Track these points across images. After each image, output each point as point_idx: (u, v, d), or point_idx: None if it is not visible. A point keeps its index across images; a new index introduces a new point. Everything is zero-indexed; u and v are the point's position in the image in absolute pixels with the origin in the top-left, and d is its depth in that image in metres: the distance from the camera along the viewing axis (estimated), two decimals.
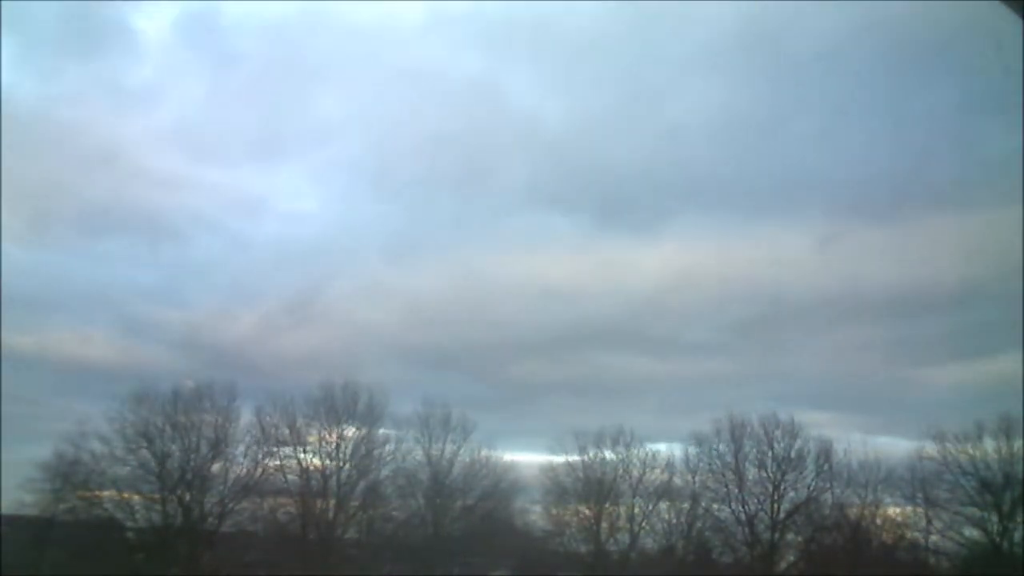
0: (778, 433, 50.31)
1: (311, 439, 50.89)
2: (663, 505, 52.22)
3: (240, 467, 49.02)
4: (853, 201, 36.37)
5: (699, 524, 51.89)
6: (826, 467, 49.92)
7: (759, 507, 50.25)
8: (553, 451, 52.91)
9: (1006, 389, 35.90)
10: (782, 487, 50.03)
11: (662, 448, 52.64)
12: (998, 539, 47.10)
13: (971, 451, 47.36)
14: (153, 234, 40.30)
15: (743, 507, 50.48)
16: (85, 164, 37.35)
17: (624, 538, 52.49)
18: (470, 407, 39.38)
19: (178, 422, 48.00)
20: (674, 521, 52.06)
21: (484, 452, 52.57)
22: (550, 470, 53.13)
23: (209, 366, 37.42)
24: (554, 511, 53.64)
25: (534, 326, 38.84)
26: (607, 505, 52.38)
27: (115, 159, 37.26)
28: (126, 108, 38.91)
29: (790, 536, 50.82)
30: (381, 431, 51.57)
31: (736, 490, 50.51)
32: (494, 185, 37.63)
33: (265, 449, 49.73)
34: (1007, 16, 5.78)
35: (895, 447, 40.84)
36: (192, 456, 47.94)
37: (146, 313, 38.27)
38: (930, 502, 48.65)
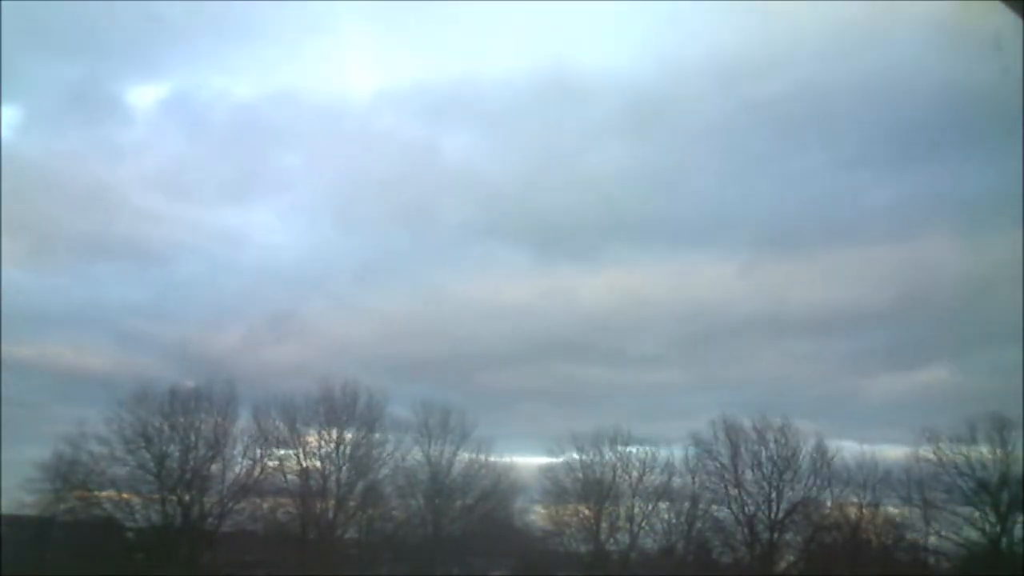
0: (774, 434, 50.49)
1: (310, 439, 50.99)
2: (663, 505, 52.33)
3: (239, 467, 49.13)
4: (761, 237, 43.20)
5: (699, 524, 51.95)
6: (823, 467, 50.08)
7: (758, 507, 50.36)
8: (552, 452, 53.10)
9: (937, 398, 41.27)
10: (780, 487, 50.14)
11: (661, 449, 52.70)
12: (996, 539, 47.19)
13: (966, 452, 47.50)
14: (142, 259, 46.41)
15: (742, 507, 50.60)
16: (79, 203, 44.02)
17: (624, 538, 52.56)
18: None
19: (177, 422, 48.01)
20: (674, 521, 52.14)
21: (482, 456, 52.66)
22: (549, 470, 53.32)
23: (198, 375, 41.21)
24: (553, 511, 53.74)
25: (493, 340, 45.19)
26: (606, 505, 52.43)
27: (106, 199, 43.93)
28: (117, 159, 45.03)
29: (789, 536, 50.90)
30: (380, 431, 51.64)
31: (735, 490, 50.61)
32: (441, 222, 44.85)
33: (264, 449, 49.84)
34: (1007, 16, 5.82)
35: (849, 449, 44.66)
36: (191, 456, 47.94)
37: (137, 327, 43.83)
38: (927, 502, 48.76)
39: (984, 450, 47.10)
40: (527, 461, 55.07)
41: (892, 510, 50.04)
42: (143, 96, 43.54)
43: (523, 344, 42.41)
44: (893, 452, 45.33)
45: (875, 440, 45.58)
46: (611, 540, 52.54)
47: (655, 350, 44.18)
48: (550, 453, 53.09)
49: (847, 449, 48.33)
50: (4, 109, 39.02)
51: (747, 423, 50.50)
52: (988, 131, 38.34)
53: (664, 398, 43.95)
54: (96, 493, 47.51)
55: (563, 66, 43.72)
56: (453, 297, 46.74)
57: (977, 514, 47.67)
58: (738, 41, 40.63)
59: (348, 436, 50.92)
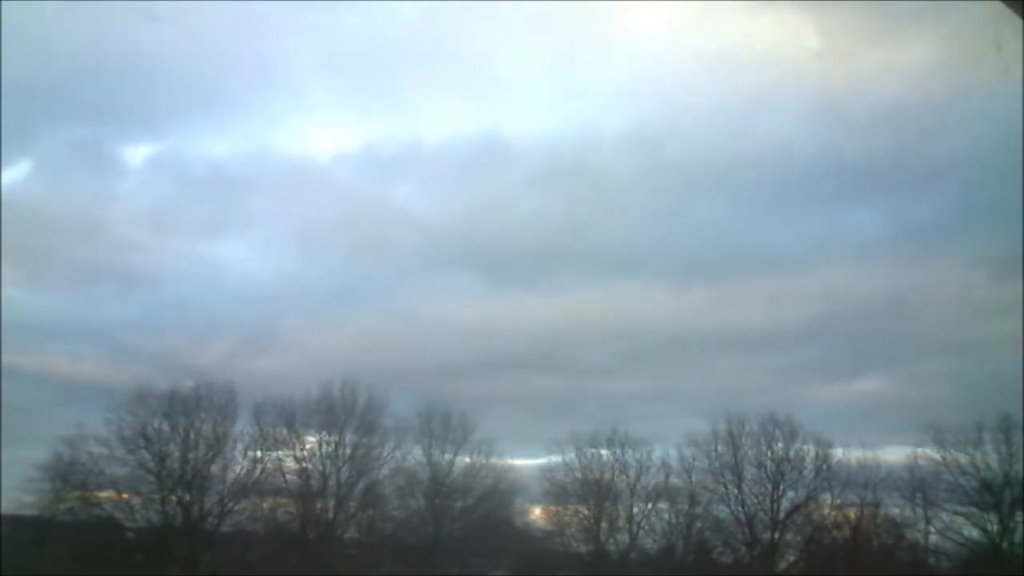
0: (776, 433, 50.48)
1: (310, 439, 51.00)
2: (663, 505, 52.32)
3: (239, 467, 49.10)
4: (683, 269, 51.58)
5: (699, 524, 51.94)
6: (825, 467, 50.05)
7: (758, 507, 50.34)
8: (552, 452, 53.09)
9: (872, 405, 46.63)
10: (781, 487, 50.12)
11: (660, 450, 52.67)
12: (997, 539, 47.18)
13: (970, 452, 47.52)
14: (132, 282, 53.45)
15: (742, 507, 50.57)
16: (76, 235, 51.27)
17: (624, 538, 52.55)
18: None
19: (177, 423, 48.02)
20: (673, 521, 52.13)
21: (482, 456, 52.66)
22: (549, 471, 53.30)
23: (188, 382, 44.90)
24: (553, 511, 53.75)
25: (456, 354, 51.54)
26: (606, 505, 52.41)
27: (100, 233, 51.78)
28: (110, 202, 52.96)
29: (790, 536, 50.87)
30: (380, 432, 51.61)
31: (735, 490, 50.59)
32: (395, 254, 53.33)
33: (264, 449, 49.83)
34: (1007, 16, 5.78)
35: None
36: (191, 456, 47.92)
37: (130, 340, 49.50)
38: (928, 502, 48.77)
39: (987, 450, 47.20)
40: (526, 462, 55.21)
41: (893, 510, 50.12)
42: (137, 153, 54.39)
43: (481, 358, 49.93)
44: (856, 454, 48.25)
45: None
46: (611, 540, 52.56)
47: (605, 362, 51.70)
48: (551, 452, 53.18)
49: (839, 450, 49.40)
50: (16, 161, 48.83)
51: (751, 423, 50.62)
52: (860, 189, 47.50)
53: (620, 405, 50.29)
54: (96, 493, 47.52)
55: (496, 131, 52.17)
56: (416, 316, 53.19)
57: (978, 514, 47.71)
58: (646, 113, 50.90)
59: (348, 436, 50.98)
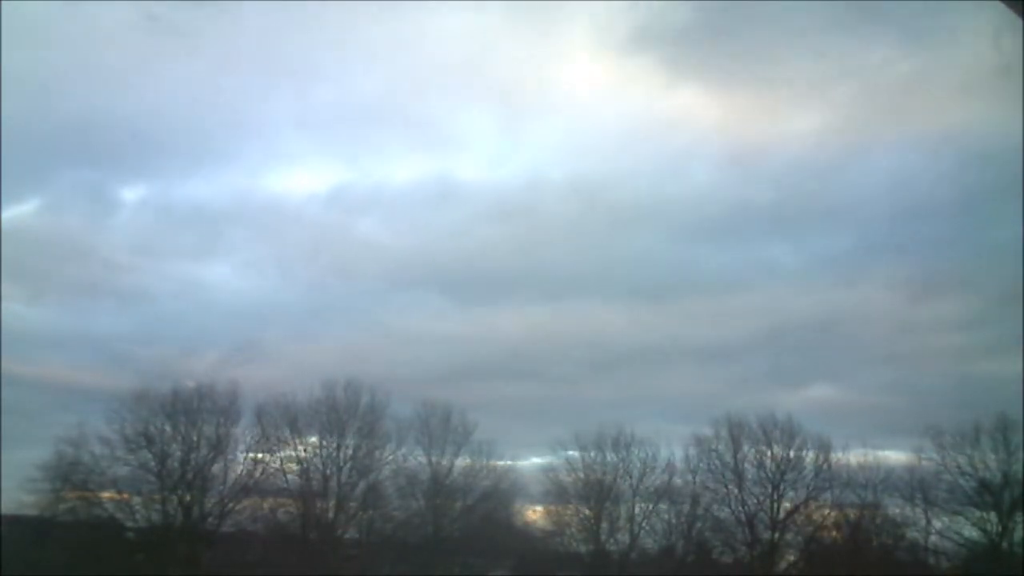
0: (776, 434, 50.52)
1: (312, 440, 51.01)
2: (663, 505, 52.34)
3: (240, 467, 49.12)
4: (631, 290, 56.48)
5: (699, 524, 51.95)
6: (825, 467, 50.08)
7: (759, 507, 50.37)
8: (554, 452, 53.14)
9: (822, 410, 49.10)
10: (781, 487, 50.15)
11: (662, 449, 52.73)
12: (997, 539, 47.23)
13: (969, 452, 47.60)
14: (126, 299, 57.86)
15: (743, 507, 50.60)
16: (74, 258, 56.42)
17: (624, 538, 52.56)
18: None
19: (178, 422, 48.07)
20: (674, 521, 52.14)
21: (483, 457, 52.74)
22: (550, 471, 53.33)
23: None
24: (553, 511, 53.79)
25: (431, 363, 55.37)
26: (607, 505, 52.44)
27: (96, 256, 56.86)
28: (106, 232, 58.48)
29: (790, 536, 50.90)
30: (381, 432, 51.63)
31: (736, 490, 50.61)
32: (363, 276, 58.74)
33: (265, 449, 49.86)
34: (1007, 16, 5.81)
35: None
36: (192, 456, 47.96)
37: (125, 350, 52.84)
38: (928, 502, 48.81)
39: (987, 450, 47.31)
40: (525, 462, 55.27)
41: (893, 510, 50.14)
42: (132, 192, 60.07)
43: (455, 367, 53.32)
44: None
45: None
46: (611, 540, 52.56)
47: (573, 371, 55.46)
48: (551, 453, 53.23)
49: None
50: (25, 197, 55.21)
51: (751, 423, 50.70)
52: (772, 228, 54.19)
53: (592, 409, 52.79)
54: (97, 493, 47.55)
55: (450, 176, 59.72)
56: (388, 330, 57.65)
57: (978, 514, 47.77)
58: (584, 164, 57.63)
59: (349, 437, 50.99)
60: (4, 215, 51.28)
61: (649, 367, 56.34)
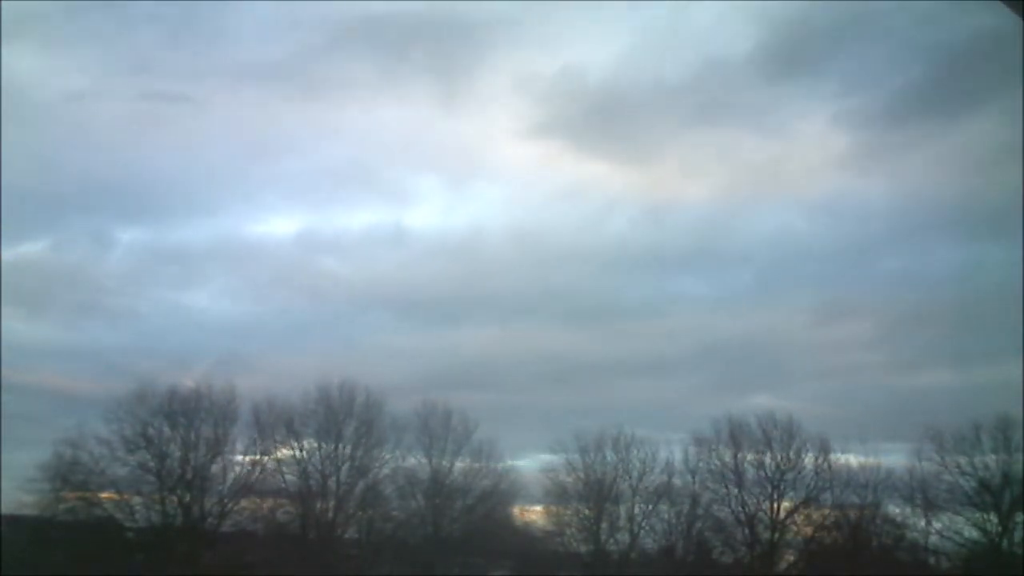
0: (776, 433, 50.55)
1: (310, 439, 51.02)
2: (663, 505, 52.37)
3: (239, 467, 49.17)
4: (564, 313, 63.04)
5: (699, 524, 51.98)
6: (825, 467, 50.12)
7: (759, 507, 50.39)
8: (554, 452, 53.16)
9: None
10: (781, 487, 50.18)
11: (662, 449, 52.79)
12: (997, 539, 47.25)
13: (969, 452, 47.66)
14: (118, 317, 63.36)
15: (743, 507, 50.63)
16: (69, 283, 62.60)
17: (624, 538, 52.60)
18: None
19: (177, 422, 48.11)
20: (674, 521, 52.17)
21: (483, 456, 52.78)
22: (550, 471, 53.35)
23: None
24: (553, 511, 53.84)
25: (400, 375, 59.68)
26: (607, 505, 52.46)
27: (90, 282, 63.49)
28: (99, 263, 65.61)
29: (790, 536, 50.93)
30: (380, 431, 51.63)
31: (736, 490, 50.63)
32: (328, 300, 65.06)
33: (264, 449, 49.89)
34: (1007, 16, 5.79)
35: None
36: (191, 456, 47.99)
37: (119, 362, 56.76)
38: (929, 503, 48.84)
39: (986, 451, 47.38)
40: (526, 462, 55.31)
41: (893, 510, 50.19)
42: (127, 234, 67.67)
43: (419, 380, 57.92)
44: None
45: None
46: (611, 540, 52.60)
47: (526, 383, 60.04)
48: (553, 452, 53.25)
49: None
50: (35, 240, 61.97)
51: (752, 423, 50.79)
52: (684, 266, 61.71)
53: (552, 416, 57.23)
54: (96, 493, 47.58)
55: (400, 223, 69.30)
56: (357, 345, 63.51)
57: (978, 514, 47.80)
58: (519, 213, 66.42)
59: (348, 436, 51.01)
60: (15, 251, 58.26)
61: (597, 381, 61.66)
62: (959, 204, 58.46)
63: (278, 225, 74.52)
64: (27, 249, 62.14)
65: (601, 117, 65.08)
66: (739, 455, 50.76)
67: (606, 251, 63.75)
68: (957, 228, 59.54)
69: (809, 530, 50.76)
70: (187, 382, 49.50)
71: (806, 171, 62.77)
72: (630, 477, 52.53)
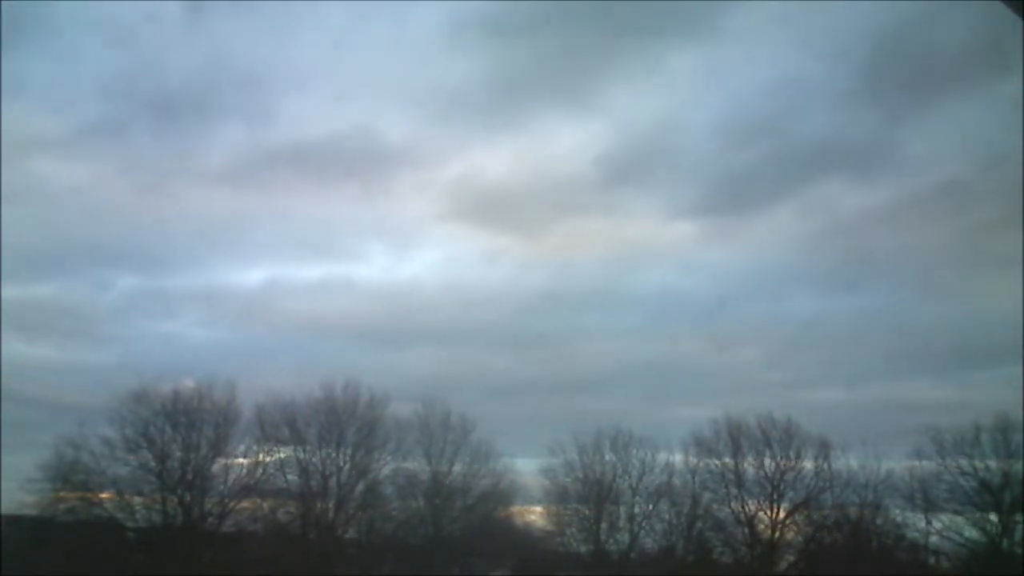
0: (776, 433, 50.57)
1: (311, 439, 51.04)
2: (663, 506, 52.39)
3: (240, 467, 49.18)
4: (506, 339, 70.98)
5: (699, 524, 51.99)
6: (825, 467, 50.14)
7: (759, 507, 50.42)
8: (553, 452, 53.20)
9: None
10: (781, 487, 50.19)
11: (661, 450, 52.83)
12: (997, 539, 47.26)
13: (969, 452, 47.66)
14: (110, 343, 71.55)
15: (743, 507, 50.65)
16: (65, 316, 70.42)
17: (624, 538, 52.64)
18: None
19: (178, 422, 48.14)
20: (674, 521, 52.19)
21: (483, 458, 52.84)
22: (550, 471, 53.39)
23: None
24: (553, 511, 53.86)
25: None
26: (607, 505, 52.49)
27: (83, 317, 70.94)
28: (93, 302, 73.22)
29: (790, 536, 50.95)
30: (381, 431, 51.66)
31: (736, 490, 50.66)
32: (288, 331, 72.70)
33: (265, 449, 49.91)
34: (1007, 16, 5.79)
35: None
36: (192, 456, 48.02)
37: (113, 376, 58.19)
38: (929, 503, 48.86)
39: (986, 452, 47.40)
40: (526, 462, 55.33)
41: (894, 510, 50.18)
42: (123, 280, 76.10)
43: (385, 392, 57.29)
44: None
45: None
46: (611, 540, 52.64)
47: (469, 398, 62.64)
48: (551, 453, 53.28)
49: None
50: (41, 283, 72.20)
51: (751, 423, 50.82)
52: (580, 306, 71.77)
53: (520, 422, 61.07)
54: (97, 493, 47.61)
55: (349, 277, 79.59)
56: (322, 364, 63.97)
57: (978, 514, 47.80)
58: (453, 271, 77.85)
59: (349, 436, 51.04)
60: (23, 289, 65.84)
61: (531, 395, 68.75)
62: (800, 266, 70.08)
63: (248, 276, 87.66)
64: (34, 290, 71.34)
65: (497, 206, 79.64)
66: (739, 456, 50.77)
67: (520, 298, 74.41)
68: (801, 283, 72.13)
69: (809, 530, 50.75)
70: (188, 383, 49.53)
71: (664, 246, 74.01)
72: (630, 477, 52.66)
